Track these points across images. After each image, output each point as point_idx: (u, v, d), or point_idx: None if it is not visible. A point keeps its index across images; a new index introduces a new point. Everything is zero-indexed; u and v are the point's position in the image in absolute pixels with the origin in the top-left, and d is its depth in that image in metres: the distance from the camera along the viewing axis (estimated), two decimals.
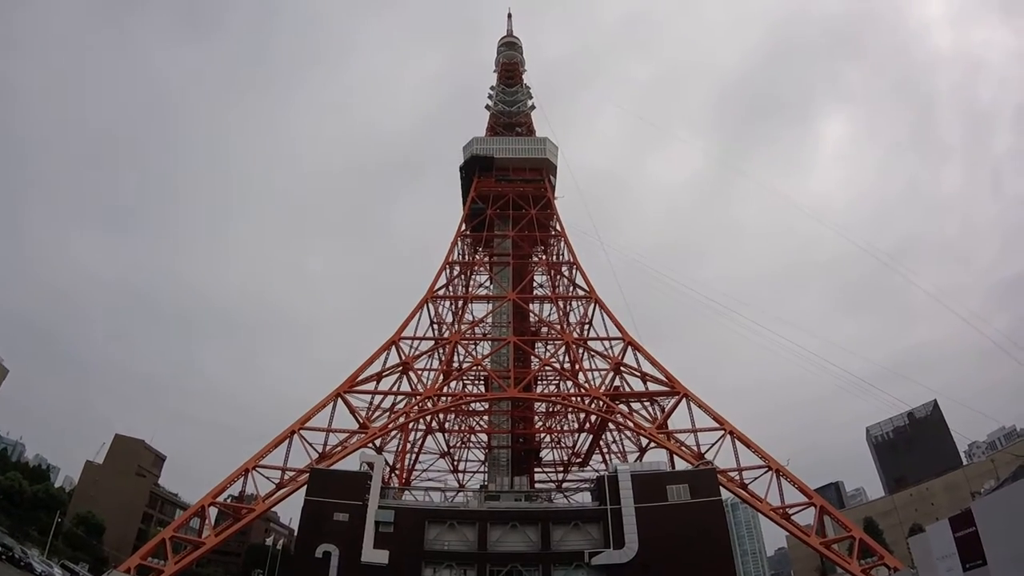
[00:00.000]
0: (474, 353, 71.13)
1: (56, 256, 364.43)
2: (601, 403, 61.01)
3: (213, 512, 50.87)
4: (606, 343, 67.60)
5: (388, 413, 60.30)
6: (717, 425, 55.96)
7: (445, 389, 64.04)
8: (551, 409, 79.12)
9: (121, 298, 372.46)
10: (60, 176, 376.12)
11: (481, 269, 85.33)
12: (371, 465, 50.28)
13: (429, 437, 76.92)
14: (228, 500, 52.74)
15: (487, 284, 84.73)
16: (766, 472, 52.78)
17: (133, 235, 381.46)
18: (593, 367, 67.55)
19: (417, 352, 66.41)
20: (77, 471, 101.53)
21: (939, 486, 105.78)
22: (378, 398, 61.17)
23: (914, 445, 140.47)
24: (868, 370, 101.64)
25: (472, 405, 74.33)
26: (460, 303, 77.96)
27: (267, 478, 52.25)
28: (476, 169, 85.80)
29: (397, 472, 68.01)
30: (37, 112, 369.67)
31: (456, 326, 73.99)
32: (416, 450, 75.69)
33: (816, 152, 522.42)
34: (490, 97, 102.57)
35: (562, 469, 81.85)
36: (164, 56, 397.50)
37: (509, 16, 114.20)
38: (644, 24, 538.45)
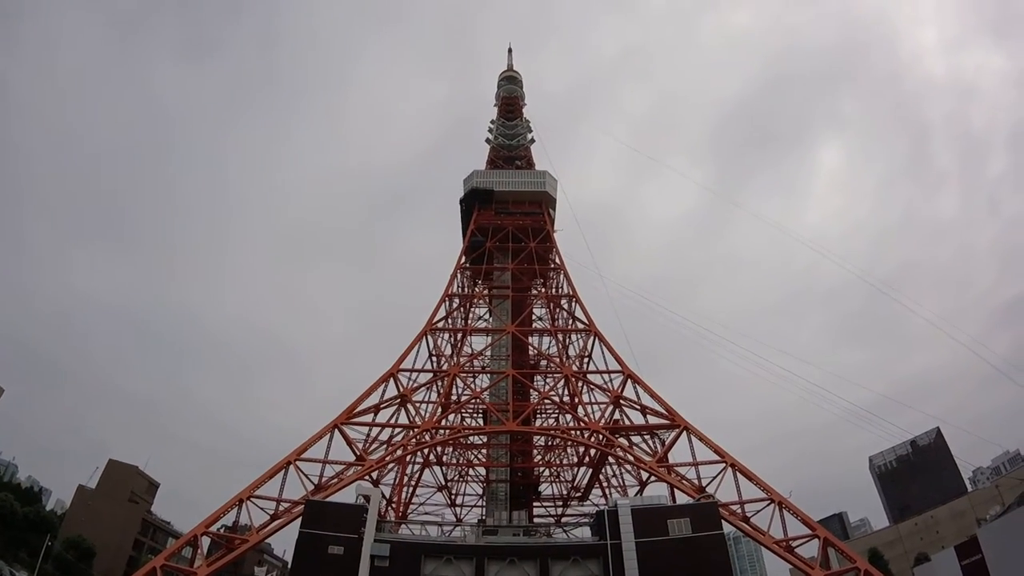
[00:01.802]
0: (473, 386, 70.79)
1: (54, 276, 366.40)
2: (601, 437, 60.50)
3: (206, 542, 49.90)
4: (605, 376, 67.27)
5: (385, 445, 59.73)
6: (718, 458, 55.41)
7: (443, 422, 63.54)
8: (550, 443, 78.39)
9: (118, 321, 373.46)
10: (60, 195, 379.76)
11: (480, 302, 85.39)
12: (367, 498, 49.71)
13: (427, 470, 76.12)
14: (221, 530, 51.73)
15: (486, 317, 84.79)
16: (768, 505, 52.01)
17: (131, 257, 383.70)
18: (592, 400, 67.19)
19: (416, 384, 66.10)
20: (69, 494, 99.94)
21: (944, 514, 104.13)
22: (376, 430, 60.67)
23: (918, 473, 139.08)
24: (869, 399, 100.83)
25: (470, 438, 73.53)
26: (459, 336, 77.89)
27: (261, 509, 51.44)
28: (476, 202, 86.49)
29: (394, 505, 67.10)
30: (37, 127, 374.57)
31: (455, 359, 73.80)
32: (413, 483, 74.79)
33: (813, 181, 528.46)
34: (490, 130, 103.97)
35: (561, 503, 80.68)
36: (165, 77, 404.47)
37: (510, 51, 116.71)
38: (642, 56, 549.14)
